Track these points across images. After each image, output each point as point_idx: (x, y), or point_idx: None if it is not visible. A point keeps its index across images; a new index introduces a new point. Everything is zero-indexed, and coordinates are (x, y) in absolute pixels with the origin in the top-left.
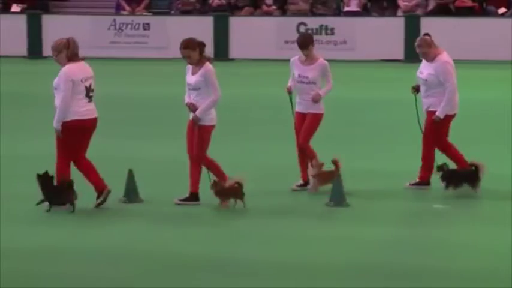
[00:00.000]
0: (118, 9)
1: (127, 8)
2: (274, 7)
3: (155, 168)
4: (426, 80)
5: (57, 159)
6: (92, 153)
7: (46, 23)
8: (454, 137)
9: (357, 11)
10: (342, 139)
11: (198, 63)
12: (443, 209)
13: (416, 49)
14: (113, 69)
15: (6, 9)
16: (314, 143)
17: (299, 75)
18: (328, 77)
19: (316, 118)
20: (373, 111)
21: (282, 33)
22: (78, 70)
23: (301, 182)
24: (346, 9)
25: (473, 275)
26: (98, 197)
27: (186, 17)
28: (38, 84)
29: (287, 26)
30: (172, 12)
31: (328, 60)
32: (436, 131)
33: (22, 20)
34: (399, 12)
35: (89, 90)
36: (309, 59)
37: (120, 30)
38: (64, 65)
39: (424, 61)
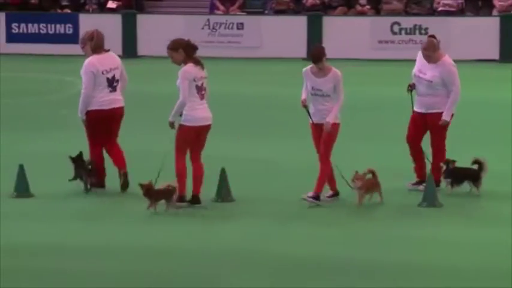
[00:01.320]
0: (212, 8)
1: (221, 7)
2: (368, 7)
3: (247, 168)
4: (431, 81)
5: (89, 148)
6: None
7: (141, 22)
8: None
9: (452, 11)
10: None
11: (184, 64)
12: None
13: (422, 51)
14: (207, 69)
15: (101, 8)
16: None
17: (313, 88)
18: (338, 91)
19: (334, 129)
20: (469, 111)
21: (376, 33)
22: (99, 62)
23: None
24: (440, 8)
25: None
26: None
27: (280, 16)
28: (133, 84)
29: (381, 26)
30: (266, 11)
31: None
32: (444, 132)
33: (117, 19)
34: (494, 12)
35: (112, 81)
36: (322, 71)
37: (214, 30)
38: (89, 56)
39: (424, 61)
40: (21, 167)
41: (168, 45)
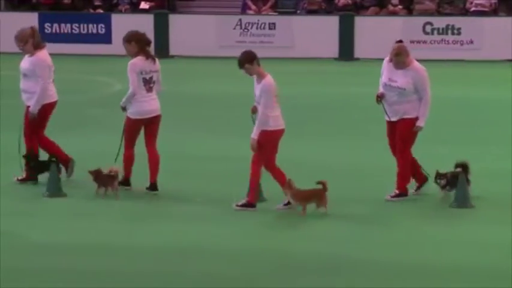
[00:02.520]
0: (244, 8)
1: (253, 7)
2: (400, 7)
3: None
4: (404, 88)
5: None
6: (221, 153)
7: (173, 22)
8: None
9: (484, 11)
10: (470, 140)
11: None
12: None
13: (393, 58)
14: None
15: (134, 9)
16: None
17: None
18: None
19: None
20: (503, 112)
21: (408, 33)
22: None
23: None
24: (473, 8)
25: None
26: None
27: (312, 16)
28: (166, 84)
29: (413, 26)
30: (298, 11)
31: (454, 61)
32: (413, 139)
33: (149, 19)
34: None
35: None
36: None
37: (245, 30)
38: (32, 53)
39: (392, 68)
40: (54, 165)
41: (123, 37)
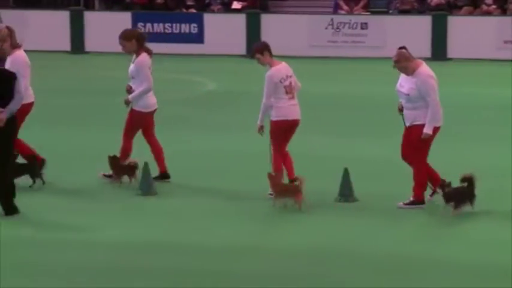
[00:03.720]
0: (336, 8)
1: (345, 7)
2: (494, 6)
3: (369, 168)
4: (408, 94)
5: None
6: (304, 151)
7: (265, 22)
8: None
9: None
10: None
11: (137, 53)
12: None
13: (394, 65)
14: (331, 68)
15: (227, 8)
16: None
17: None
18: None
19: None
20: None
21: (502, 33)
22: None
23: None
24: None
25: None
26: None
27: (404, 16)
28: (251, 84)
29: (507, 26)
30: (391, 11)
31: None
32: (425, 146)
33: (241, 19)
34: None
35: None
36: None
37: (337, 30)
38: (10, 53)
39: (402, 74)
40: (146, 165)
41: (121, 35)
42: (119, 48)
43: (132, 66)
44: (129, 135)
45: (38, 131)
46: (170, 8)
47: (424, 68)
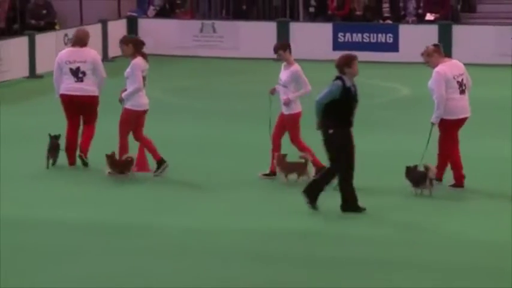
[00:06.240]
0: None
1: None
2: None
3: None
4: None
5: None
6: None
7: (456, 33)
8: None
9: None
10: None
11: (133, 56)
12: None
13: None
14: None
15: (421, 19)
16: None
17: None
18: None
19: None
20: None
21: None
22: (66, 54)
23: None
24: None
25: None
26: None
27: None
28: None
29: None
30: None
31: None
32: (444, 134)
33: (434, 30)
34: None
35: (79, 71)
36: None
37: None
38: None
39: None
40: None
41: (120, 39)
42: (320, 56)
43: (127, 68)
44: (123, 133)
45: None
46: (368, 20)
47: (440, 65)
